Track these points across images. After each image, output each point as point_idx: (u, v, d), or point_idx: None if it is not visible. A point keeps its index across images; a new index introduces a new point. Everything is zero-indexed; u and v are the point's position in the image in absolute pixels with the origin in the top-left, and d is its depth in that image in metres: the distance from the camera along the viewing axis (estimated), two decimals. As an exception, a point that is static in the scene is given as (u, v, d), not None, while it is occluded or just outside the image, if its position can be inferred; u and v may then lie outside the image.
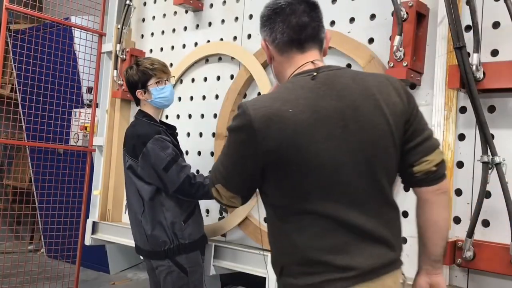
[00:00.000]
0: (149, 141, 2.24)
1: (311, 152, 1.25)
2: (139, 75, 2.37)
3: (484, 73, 1.74)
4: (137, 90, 2.38)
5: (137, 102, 2.46)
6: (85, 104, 4.87)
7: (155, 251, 2.32)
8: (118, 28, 3.24)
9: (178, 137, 2.65)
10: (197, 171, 2.85)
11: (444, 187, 1.40)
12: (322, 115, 1.27)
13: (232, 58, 2.76)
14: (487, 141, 1.70)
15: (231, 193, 1.39)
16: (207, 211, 2.82)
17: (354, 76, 1.36)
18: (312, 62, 1.38)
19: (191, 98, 2.98)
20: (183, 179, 2.22)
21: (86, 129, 4.58)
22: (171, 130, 2.50)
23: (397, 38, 1.93)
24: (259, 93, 2.59)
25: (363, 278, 1.27)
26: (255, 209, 2.46)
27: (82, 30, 4.22)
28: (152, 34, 3.28)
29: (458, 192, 1.90)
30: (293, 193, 1.30)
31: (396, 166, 1.37)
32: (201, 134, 2.90)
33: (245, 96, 2.71)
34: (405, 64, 1.95)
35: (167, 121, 3.06)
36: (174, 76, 2.50)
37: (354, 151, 1.28)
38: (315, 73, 1.33)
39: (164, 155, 2.23)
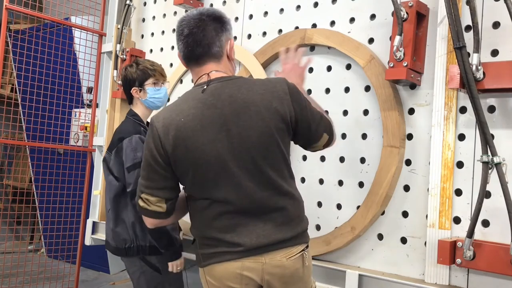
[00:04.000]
0: (126, 138, 2.27)
1: (199, 153, 1.54)
2: (138, 73, 2.43)
3: (484, 73, 1.74)
4: (133, 88, 2.42)
5: (130, 100, 2.50)
6: (85, 104, 4.88)
7: (118, 247, 2.36)
8: (118, 28, 3.24)
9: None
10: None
11: (332, 144, 1.79)
12: (207, 122, 1.55)
13: (232, 58, 2.76)
14: (487, 141, 1.69)
15: (155, 197, 1.62)
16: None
17: (241, 86, 1.60)
18: (208, 74, 1.63)
19: (191, 98, 2.98)
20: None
21: (86, 129, 4.58)
22: None
23: (397, 38, 1.93)
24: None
25: (250, 253, 1.57)
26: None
27: (82, 30, 4.22)
28: (152, 34, 3.28)
29: (458, 192, 1.90)
30: (193, 185, 1.61)
31: (283, 161, 1.63)
32: (201, 134, 2.90)
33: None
34: (405, 64, 1.95)
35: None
36: (169, 82, 2.55)
37: (238, 151, 1.55)
38: (205, 86, 1.60)
39: (133, 156, 2.24)
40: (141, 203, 1.63)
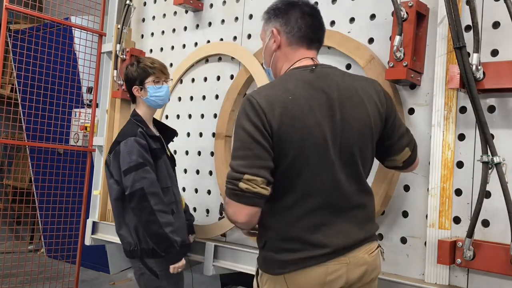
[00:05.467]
0: (123, 140, 2.27)
1: (306, 134, 1.44)
2: (139, 71, 2.41)
3: (484, 73, 1.74)
4: (134, 86, 2.41)
5: (133, 99, 2.49)
6: (85, 104, 4.88)
7: (125, 249, 2.38)
8: (118, 28, 3.24)
9: (178, 137, 2.66)
10: (197, 171, 2.85)
11: (414, 167, 1.79)
12: (315, 104, 1.47)
13: (232, 58, 2.76)
14: (487, 141, 1.69)
15: (261, 177, 1.41)
16: (207, 211, 2.82)
17: (343, 75, 1.59)
18: (311, 59, 1.61)
19: (191, 98, 2.98)
20: (135, 189, 2.20)
21: (86, 129, 4.59)
22: (165, 134, 2.52)
23: (397, 38, 1.93)
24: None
25: (336, 254, 1.49)
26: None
27: (82, 30, 4.22)
28: (152, 34, 3.28)
29: (458, 192, 1.90)
30: (286, 171, 1.47)
31: (371, 157, 1.61)
32: (201, 134, 2.90)
33: (244, 96, 2.71)
34: (405, 64, 1.95)
35: (167, 121, 3.06)
36: (172, 79, 2.53)
37: (340, 138, 1.48)
38: (313, 67, 1.55)
39: (128, 159, 2.23)
40: (243, 185, 1.40)
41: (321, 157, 1.46)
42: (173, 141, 2.64)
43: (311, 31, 1.60)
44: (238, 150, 1.45)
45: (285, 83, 1.51)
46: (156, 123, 2.57)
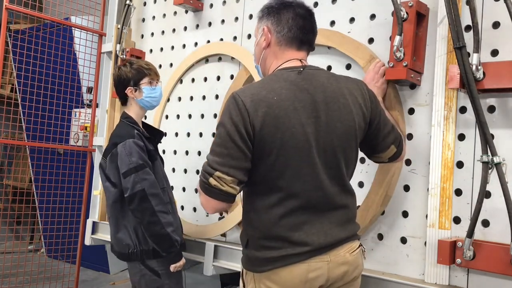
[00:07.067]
0: (120, 142, 2.26)
1: (288, 134, 1.46)
2: (133, 72, 2.40)
3: (484, 73, 1.74)
4: (128, 87, 2.40)
5: (124, 101, 2.48)
6: (85, 104, 4.88)
7: (121, 253, 2.35)
8: (118, 28, 3.24)
9: (178, 137, 2.66)
10: (198, 171, 2.85)
11: (400, 160, 1.83)
12: (300, 105, 1.49)
13: (232, 58, 2.76)
14: (487, 141, 1.69)
15: (231, 177, 1.46)
16: (207, 211, 2.82)
17: (330, 77, 1.60)
18: (300, 60, 1.62)
19: (191, 98, 2.98)
20: (136, 191, 2.19)
21: (86, 129, 4.59)
22: (154, 136, 2.51)
23: (397, 38, 1.93)
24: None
25: (317, 252, 1.52)
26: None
27: (82, 30, 4.23)
28: (152, 34, 3.28)
29: (458, 192, 1.90)
30: (269, 172, 1.49)
31: (355, 158, 1.62)
32: (201, 134, 2.90)
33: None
34: (405, 64, 1.95)
35: (167, 121, 3.06)
36: (161, 81, 2.54)
37: (323, 140, 1.50)
38: (301, 69, 1.56)
39: (128, 161, 2.22)
40: (212, 182, 1.46)
41: (303, 158, 1.48)
42: (160, 142, 2.65)
43: (302, 33, 1.61)
44: (216, 146, 1.50)
45: (272, 83, 1.53)
46: (143, 125, 2.56)
